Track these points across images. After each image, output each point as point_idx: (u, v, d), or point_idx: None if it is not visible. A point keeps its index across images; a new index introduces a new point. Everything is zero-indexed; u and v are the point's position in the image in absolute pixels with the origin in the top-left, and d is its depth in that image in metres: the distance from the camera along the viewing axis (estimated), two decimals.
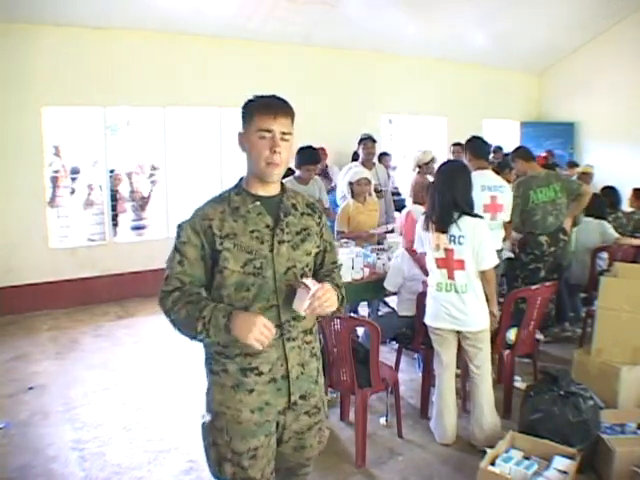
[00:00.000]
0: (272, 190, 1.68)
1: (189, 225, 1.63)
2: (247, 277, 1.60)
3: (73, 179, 6.66)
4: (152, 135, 6.67)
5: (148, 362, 4.34)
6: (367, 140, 5.30)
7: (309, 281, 1.59)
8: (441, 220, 2.93)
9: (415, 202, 4.18)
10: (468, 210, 2.93)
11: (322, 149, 6.02)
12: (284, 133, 1.59)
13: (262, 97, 1.63)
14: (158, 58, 6.02)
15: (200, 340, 1.60)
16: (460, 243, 2.90)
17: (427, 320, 3.10)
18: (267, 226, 1.63)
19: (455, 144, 6.56)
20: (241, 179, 1.71)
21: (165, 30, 5.96)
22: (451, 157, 6.57)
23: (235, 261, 1.59)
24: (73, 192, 6.62)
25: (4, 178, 5.37)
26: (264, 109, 1.58)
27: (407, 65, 8.01)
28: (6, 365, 4.28)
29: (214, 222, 1.60)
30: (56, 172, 6.30)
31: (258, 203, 1.64)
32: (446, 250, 2.93)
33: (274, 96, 1.64)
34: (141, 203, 6.96)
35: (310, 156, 4.41)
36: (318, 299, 1.55)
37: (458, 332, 3.02)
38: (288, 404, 1.69)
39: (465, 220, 2.90)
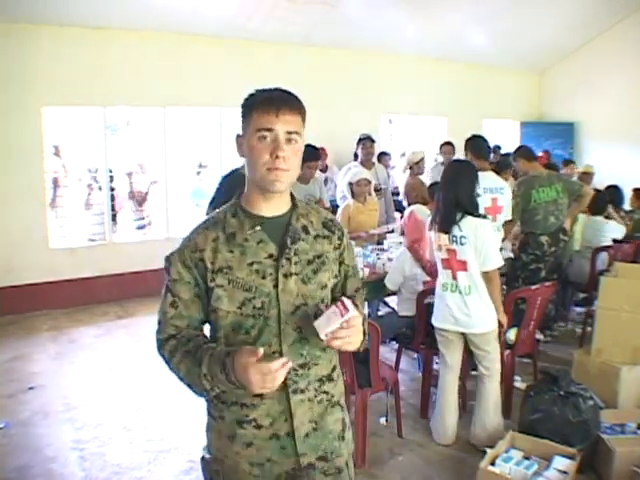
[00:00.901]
0: (279, 207, 1.38)
1: (178, 259, 1.36)
2: (245, 319, 1.33)
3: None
4: (152, 135, 6.66)
5: (148, 362, 4.32)
6: (366, 140, 5.31)
7: (348, 303, 1.26)
8: (444, 220, 2.92)
9: (409, 203, 4.17)
10: (472, 210, 2.91)
11: (322, 149, 6.01)
12: (290, 133, 1.29)
13: (264, 91, 1.34)
14: (158, 58, 6.01)
15: (223, 393, 1.34)
16: (462, 244, 2.88)
17: (433, 320, 3.09)
18: (270, 256, 1.34)
19: (444, 143, 6.54)
20: (240, 193, 1.42)
21: (165, 30, 5.96)
22: (440, 157, 6.59)
23: (230, 301, 1.32)
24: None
25: (4, 178, 5.36)
26: (264, 105, 1.29)
27: (407, 65, 8.01)
28: (6, 365, 4.28)
29: (206, 253, 1.33)
30: (56, 172, 6.30)
31: (259, 228, 1.34)
32: (448, 250, 2.92)
33: (278, 89, 1.35)
34: (139, 199, 6.98)
35: (310, 153, 4.39)
36: (347, 330, 1.27)
37: (464, 334, 3.01)
38: (299, 466, 1.39)
39: (467, 220, 2.88)
